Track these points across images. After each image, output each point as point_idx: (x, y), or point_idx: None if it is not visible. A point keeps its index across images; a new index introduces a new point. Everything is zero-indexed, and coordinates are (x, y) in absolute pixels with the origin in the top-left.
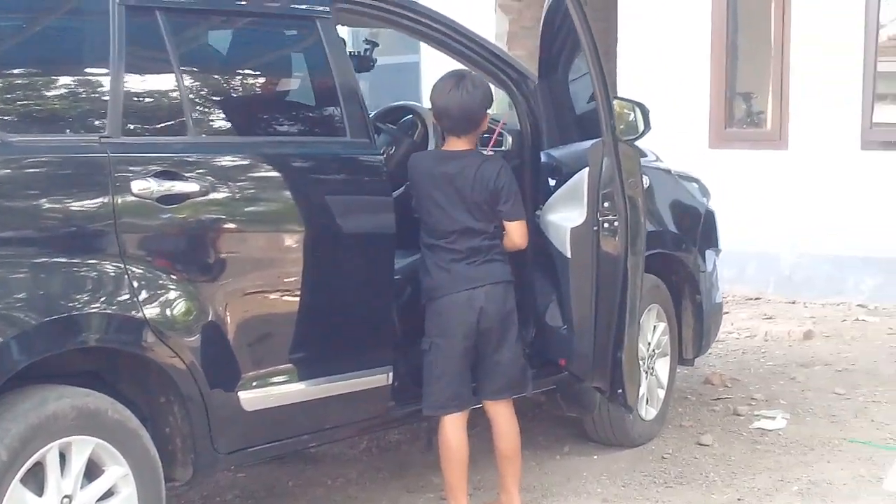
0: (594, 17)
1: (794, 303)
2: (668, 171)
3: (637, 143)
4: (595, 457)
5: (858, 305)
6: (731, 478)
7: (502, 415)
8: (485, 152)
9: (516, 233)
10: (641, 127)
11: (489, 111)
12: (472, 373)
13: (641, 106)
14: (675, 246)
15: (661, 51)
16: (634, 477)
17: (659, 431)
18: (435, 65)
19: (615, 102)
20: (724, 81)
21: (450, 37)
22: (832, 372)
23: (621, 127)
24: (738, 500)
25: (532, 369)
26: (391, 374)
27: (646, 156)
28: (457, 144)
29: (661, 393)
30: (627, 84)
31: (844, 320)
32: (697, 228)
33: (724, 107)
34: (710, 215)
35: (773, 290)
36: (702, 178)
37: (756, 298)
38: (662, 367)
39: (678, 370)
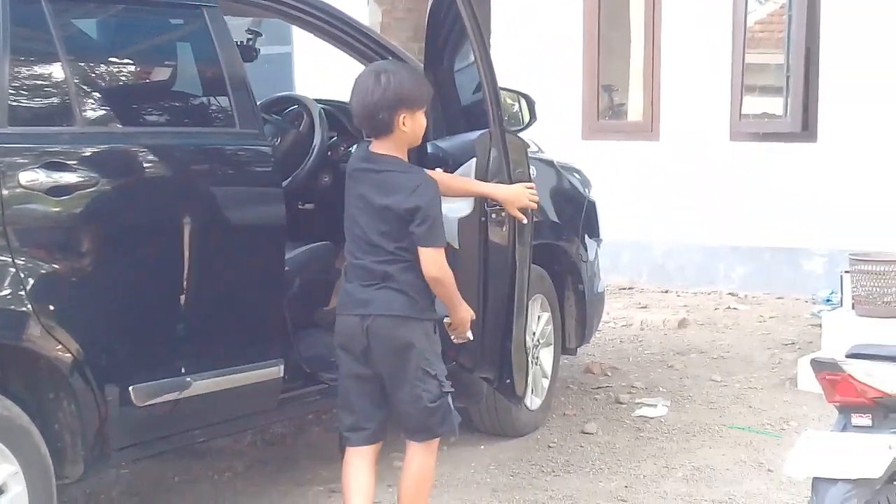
0: None
1: (666, 292)
2: (551, 162)
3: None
4: (482, 447)
5: (729, 294)
6: (617, 465)
7: (409, 456)
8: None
9: (429, 260)
10: (527, 117)
11: (409, 110)
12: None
13: (527, 97)
14: (558, 236)
15: (534, 42)
16: (522, 466)
17: (544, 420)
18: (307, 56)
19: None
20: (596, 73)
21: (334, 25)
22: (708, 359)
23: (506, 117)
24: (626, 487)
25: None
26: (282, 368)
27: (529, 147)
28: (377, 147)
29: (546, 382)
30: (501, 76)
31: (717, 308)
32: (580, 218)
33: (596, 98)
34: (591, 206)
35: (647, 279)
36: (583, 169)
37: (630, 288)
38: (546, 356)
39: (561, 360)
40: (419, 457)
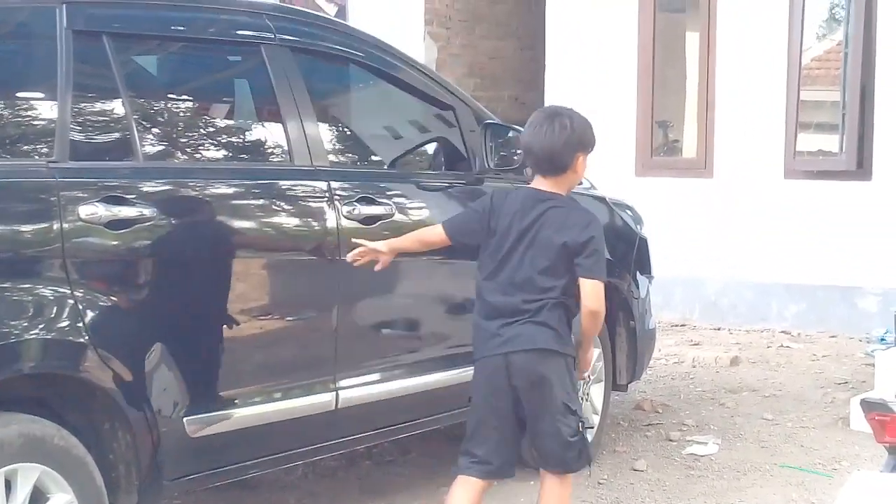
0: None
1: (719, 329)
2: (603, 199)
3: None
4: (532, 483)
5: (782, 332)
6: (667, 503)
7: (545, 487)
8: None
9: (592, 292)
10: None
11: (584, 152)
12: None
13: (520, 131)
14: (610, 273)
15: (588, 80)
16: (572, 503)
17: (594, 457)
18: None
19: (491, 128)
20: (650, 110)
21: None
22: (760, 398)
23: (503, 154)
24: None
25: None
26: (335, 398)
27: (581, 184)
28: (544, 185)
29: (596, 419)
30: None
31: (769, 346)
32: (631, 255)
33: (650, 135)
34: (643, 242)
35: (699, 316)
36: (635, 205)
37: (682, 325)
38: (597, 392)
39: (611, 396)
40: (556, 488)
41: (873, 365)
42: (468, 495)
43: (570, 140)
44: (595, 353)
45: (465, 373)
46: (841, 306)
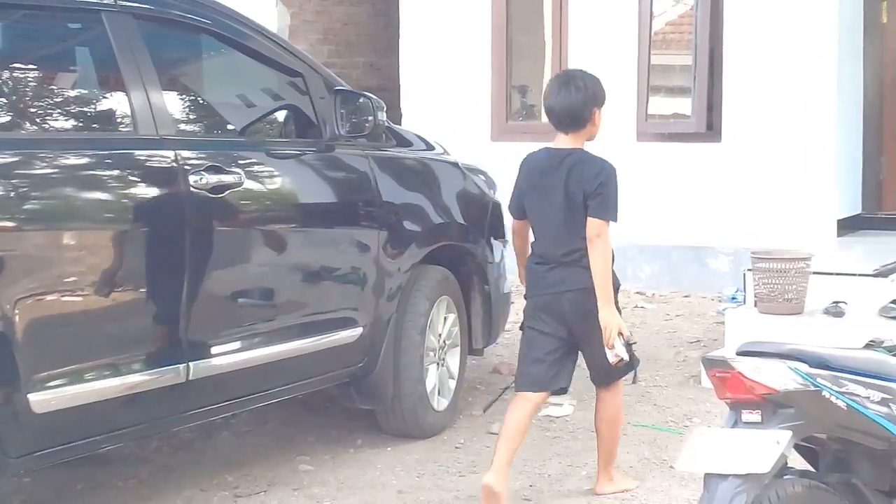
0: (375, 11)
1: None
2: (456, 164)
3: (424, 136)
4: (389, 448)
5: (637, 293)
6: (523, 465)
7: (600, 399)
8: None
9: (593, 226)
10: (372, 120)
11: (598, 107)
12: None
13: (370, 98)
14: (463, 238)
15: (443, 46)
16: (428, 467)
17: (451, 421)
18: None
19: (342, 95)
20: (505, 75)
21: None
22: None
23: (354, 120)
24: (530, 486)
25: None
26: (185, 370)
27: (433, 149)
28: (565, 142)
29: (453, 384)
30: (411, 79)
31: (624, 307)
32: (485, 220)
33: (505, 100)
34: (496, 207)
35: None
36: (488, 170)
37: None
38: (453, 357)
39: (468, 360)
40: (608, 398)
41: (724, 323)
42: (526, 408)
43: (587, 98)
44: (450, 319)
45: (321, 340)
46: (693, 266)
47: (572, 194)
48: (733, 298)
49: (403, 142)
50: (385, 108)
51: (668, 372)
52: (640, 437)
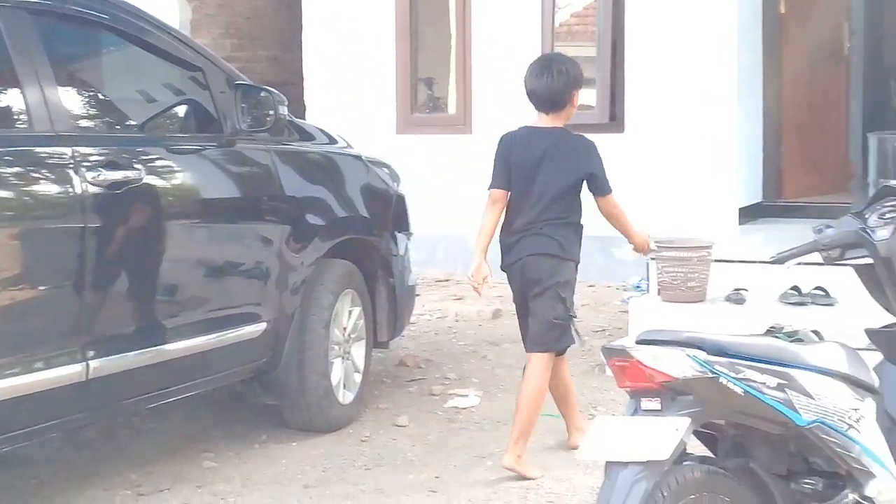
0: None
1: None
2: (359, 157)
3: (325, 128)
4: (294, 444)
5: None
6: (429, 457)
7: (529, 369)
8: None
9: (608, 203)
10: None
11: (577, 90)
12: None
13: (271, 92)
14: (367, 231)
15: (347, 38)
16: (334, 461)
17: (357, 415)
18: None
19: (242, 89)
20: (409, 68)
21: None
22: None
23: (255, 115)
24: (436, 477)
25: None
26: (85, 369)
27: (336, 142)
28: (545, 122)
29: (358, 377)
30: (314, 73)
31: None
32: (389, 213)
33: (410, 93)
34: (400, 199)
35: (463, 271)
36: (392, 162)
37: (446, 280)
38: (358, 351)
39: (374, 353)
40: (536, 369)
41: (628, 312)
42: (528, 365)
43: (567, 82)
44: (355, 312)
45: (225, 336)
46: (599, 256)
47: (552, 171)
48: (637, 287)
49: (306, 136)
50: (286, 103)
51: (573, 361)
52: (546, 427)
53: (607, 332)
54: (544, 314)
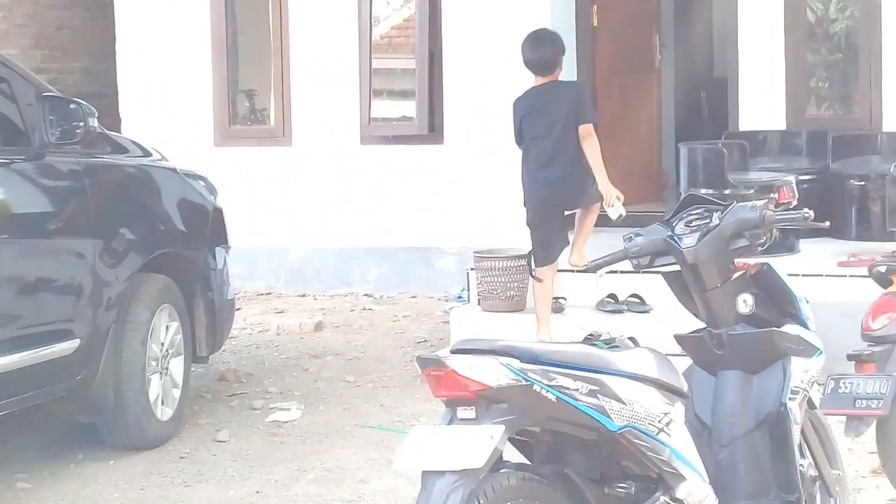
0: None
1: (304, 296)
2: (174, 170)
3: (139, 140)
4: (112, 462)
5: (365, 295)
6: (250, 471)
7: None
8: None
9: (585, 130)
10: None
11: (562, 56)
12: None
13: (80, 104)
14: (184, 245)
15: (162, 49)
16: (153, 479)
17: (176, 431)
18: None
19: (50, 101)
20: (226, 80)
21: None
22: (343, 361)
23: (64, 127)
24: (257, 492)
25: None
26: None
27: (151, 155)
28: (541, 81)
29: (177, 393)
30: (130, 84)
31: (353, 310)
32: (206, 226)
33: (228, 105)
34: (218, 213)
35: (284, 284)
36: (208, 175)
37: (267, 293)
38: (177, 366)
39: (193, 368)
40: (590, 213)
41: (450, 322)
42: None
43: (555, 50)
44: (173, 327)
45: (35, 354)
46: (420, 267)
47: (556, 112)
48: (459, 298)
49: (119, 148)
50: (97, 114)
51: (395, 372)
52: (367, 438)
53: (429, 342)
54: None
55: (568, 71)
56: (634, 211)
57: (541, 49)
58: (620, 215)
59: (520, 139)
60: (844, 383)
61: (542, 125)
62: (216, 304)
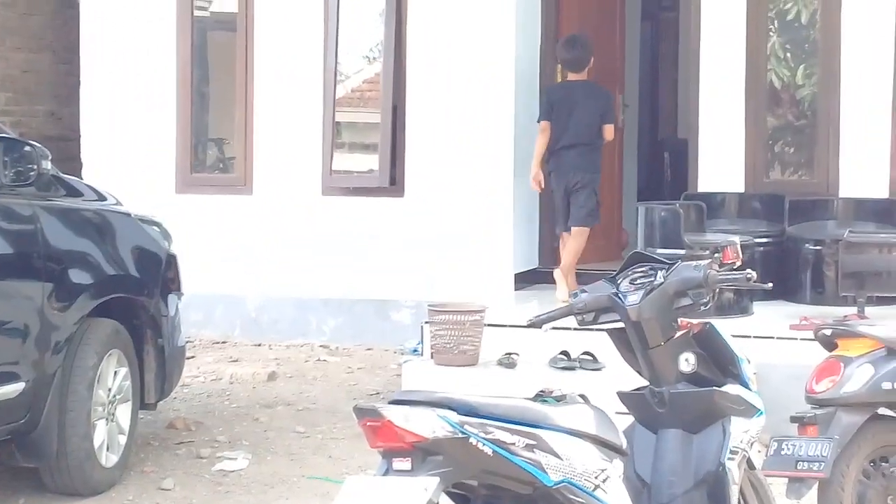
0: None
1: (259, 345)
2: (129, 215)
3: (95, 185)
4: (21, 501)
5: (321, 346)
6: None
7: (570, 238)
8: None
9: (609, 130)
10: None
11: (593, 57)
12: None
13: (34, 146)
14: (137, 290)
15: (127, 95)
16: None
17: (120, 478)
18: None
19: (3, 142)
20: (190, 128)
21: None
22: (294, 411)
23: (18, 169)
24: None
25: None
26: None
27: (105, 199)
28: (574, 77)
29: (123, 439)
30: (94, 129)
31: (307, 361)
32: (159, 272)
33: (190, 152)
34: (172, 259)
35: (240, 333)
36: (164, 221)
37: (223, 342)
38: (124, 412)
39: (141, 415)
40: (576, 236)
41: (402, 375)
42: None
43: (586, 52)
44: (122, 373)
45: None
46: (376, 319)
47: (584, 107)
48: (414, 351)
49: (74, 192)
50: (50, 157)
51: (345, 424)
52: (313, 490)
53: (381, 395)
54: (582, 203)
55: (530, 128)
56: (593, 269)
57: (575, 50)
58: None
59: (546, 115)
60: (787, 445)
61: (564, 116)
62: (166, 351)
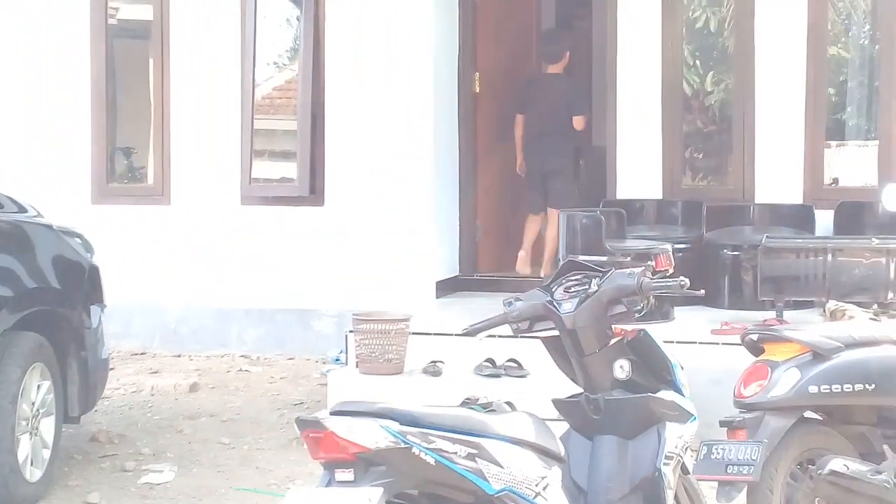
0: None
1: (179, 356)
2: (50, 227)
3: (14, 196)
4: None
5: (242, 356)
6: None
7: (550, 219)
8: None
9: (579, 120)
10: None
11: (569, 49)
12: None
13: None
14: (59, 302)
15: (39, 105)
16: None
17: (45, 493)
18: None
19: None
20: (105, 137)
21: None
22: (218, 422)
23: None
24: None
25: None
26: None
27: (26, 211)
28: (552, 69)
29: (47, 453)
30: (6, 140)
31: (229, 371)
32: (81, 284)
33: (106, 162)
34: (94, 270)
35: (160, 344)
36: (85, 233)
37: (142, 353)
38: (47, 426)
39: (64, 429)
40: (554, 221)
41: (327, 384)
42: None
43: (563, 46)
44: (45, 386)
45: None
46: (298, 329)
47: (554, 99)
48: (337, 360)
49: None
50: None
51: (271, 434)
52: (241, 501)
53: (305, 404)
54: (559, 186)
55: (449, 136)
56: (516, 277)
57: (553, 44)
58: None
59: (521, 107)
60: (717, 449)
61: (537, 107)
62: (90, 364)
